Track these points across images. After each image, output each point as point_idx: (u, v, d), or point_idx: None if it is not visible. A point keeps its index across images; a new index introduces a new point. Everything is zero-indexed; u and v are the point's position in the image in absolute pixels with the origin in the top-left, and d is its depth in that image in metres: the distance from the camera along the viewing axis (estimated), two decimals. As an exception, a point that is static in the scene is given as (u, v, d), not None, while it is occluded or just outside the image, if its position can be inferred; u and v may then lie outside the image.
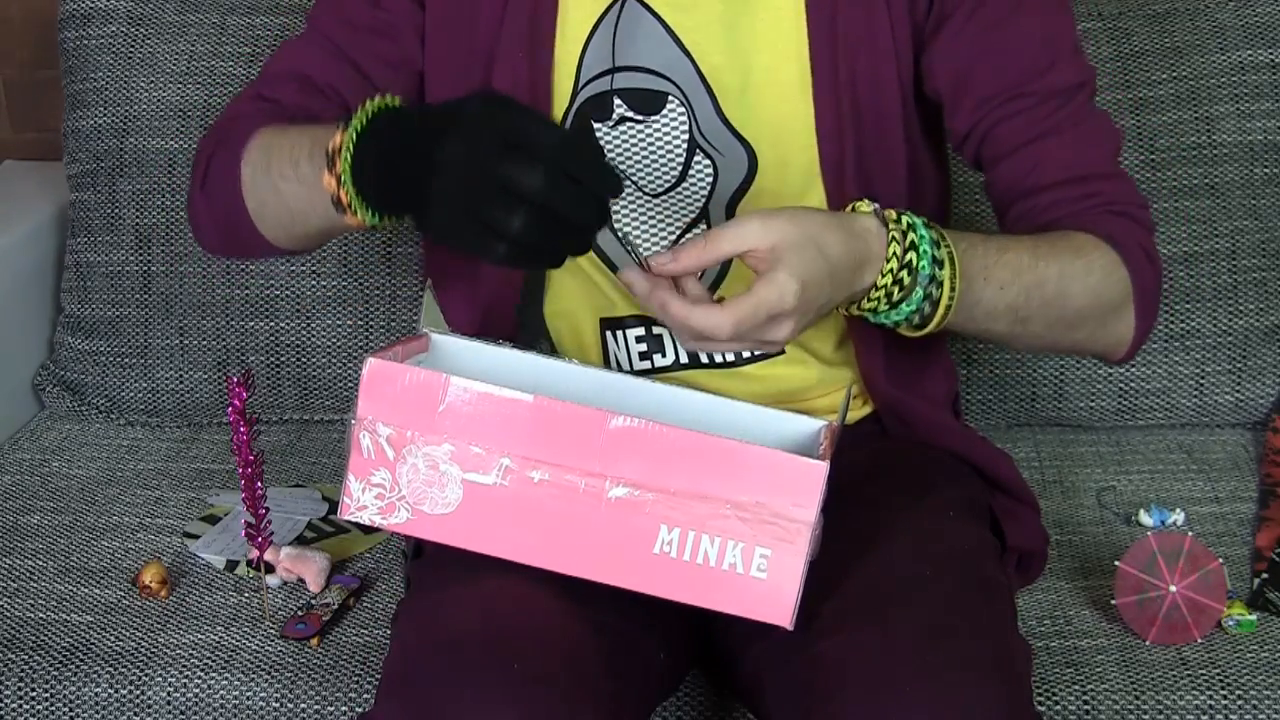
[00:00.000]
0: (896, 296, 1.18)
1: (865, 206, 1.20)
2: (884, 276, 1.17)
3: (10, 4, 2.20)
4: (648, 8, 1.33)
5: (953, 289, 1.20)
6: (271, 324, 1.86)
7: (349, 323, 1.86)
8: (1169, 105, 1.78)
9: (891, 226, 1.18)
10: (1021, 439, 1.79)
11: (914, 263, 1.17)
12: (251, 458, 1.39)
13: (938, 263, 1.18)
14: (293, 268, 1.86)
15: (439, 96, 1.36)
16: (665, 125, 1.33)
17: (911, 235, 1.18)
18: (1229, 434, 1.78)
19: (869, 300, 1.19)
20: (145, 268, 1.88)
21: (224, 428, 1.82)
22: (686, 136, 1.33)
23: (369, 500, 1.12)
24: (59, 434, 1.88)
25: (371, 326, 1.86)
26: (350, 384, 1.85)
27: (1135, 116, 1.78)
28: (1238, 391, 1.77)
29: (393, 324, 1.86)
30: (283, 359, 1.87)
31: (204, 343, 1.87)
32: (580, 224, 1.08)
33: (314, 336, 1.86)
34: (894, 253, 1.17)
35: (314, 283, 1.86)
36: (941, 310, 1.20)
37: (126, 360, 1.89)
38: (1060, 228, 1.29)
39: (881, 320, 1.22)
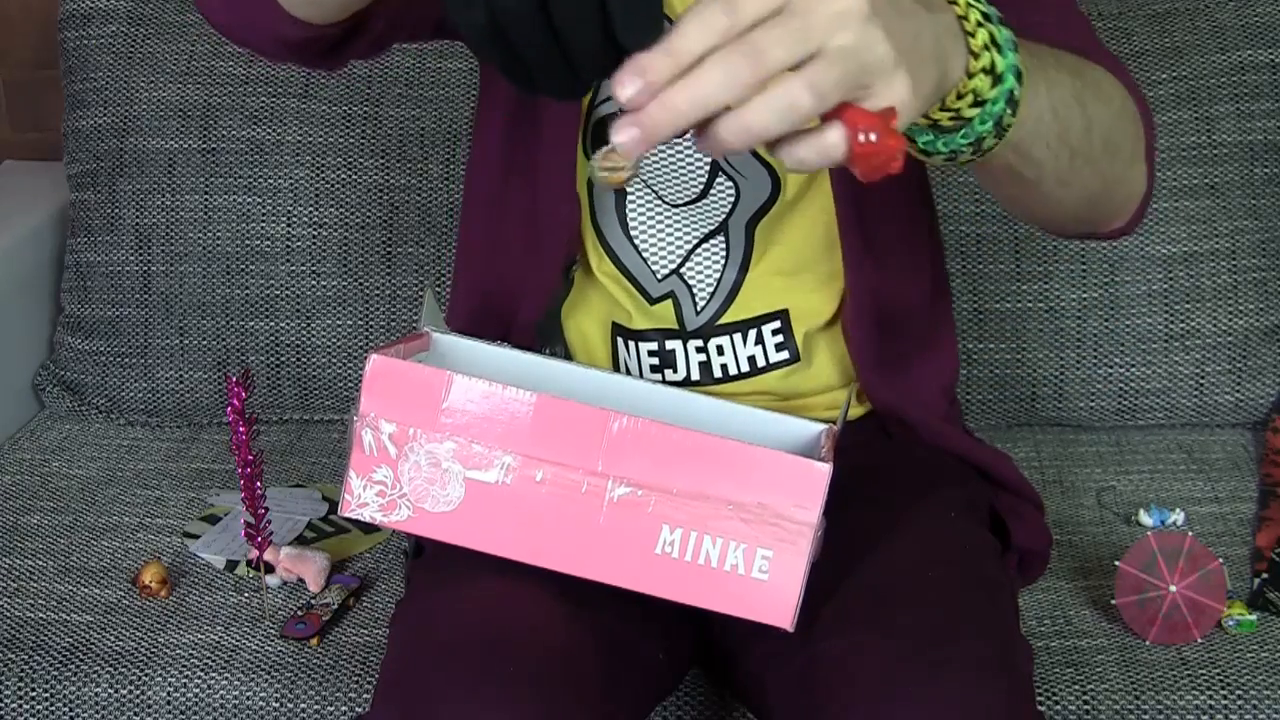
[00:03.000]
0: (996, 72, 0.90)
1: None
2: (975, 32, 0.90)
3: (10, 4, 2.20)
4: None
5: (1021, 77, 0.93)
6: (271, 324, 1.86)
7: (349, 323, 1.86)
8: (1169, 105, 1.79)
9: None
10: (1021, 439, 1.79)
11: (992, 29, 0.90)
12: (251, 458, 1.39)
13: (1007, 24, 0.92)
14: (293, 268, 1.86)
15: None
16: (689, 147, 1.32)
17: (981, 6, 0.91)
18: (1229, 434, 1.78)
19: (969, 79, 0.90)
20: (145, 268, 1.88)
21: (224, 428, 1.82)
22: (709, 159, 1.32)
23: (370, 497, 1.12)
24: (59, 434, 1.88)
25: (371, 326, 1.86)
26: (350, 384, 1.86)
27: (1135, 116, 1.78)
28: (1238, 391, 1.77)
29: (393, 324, 1.86)
30: (283, 359, 1.87)
31: (204, 343, 1.87)
32: (574, 44, 0.79)
33: (314, 336, 1.86)
34: (972, 12, 0.90)
35: (314, 283, 1.86)
36: (1020, 109, 0.93)
37: (126, 360, 1.89)
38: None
39: (962, 134, 0.92)
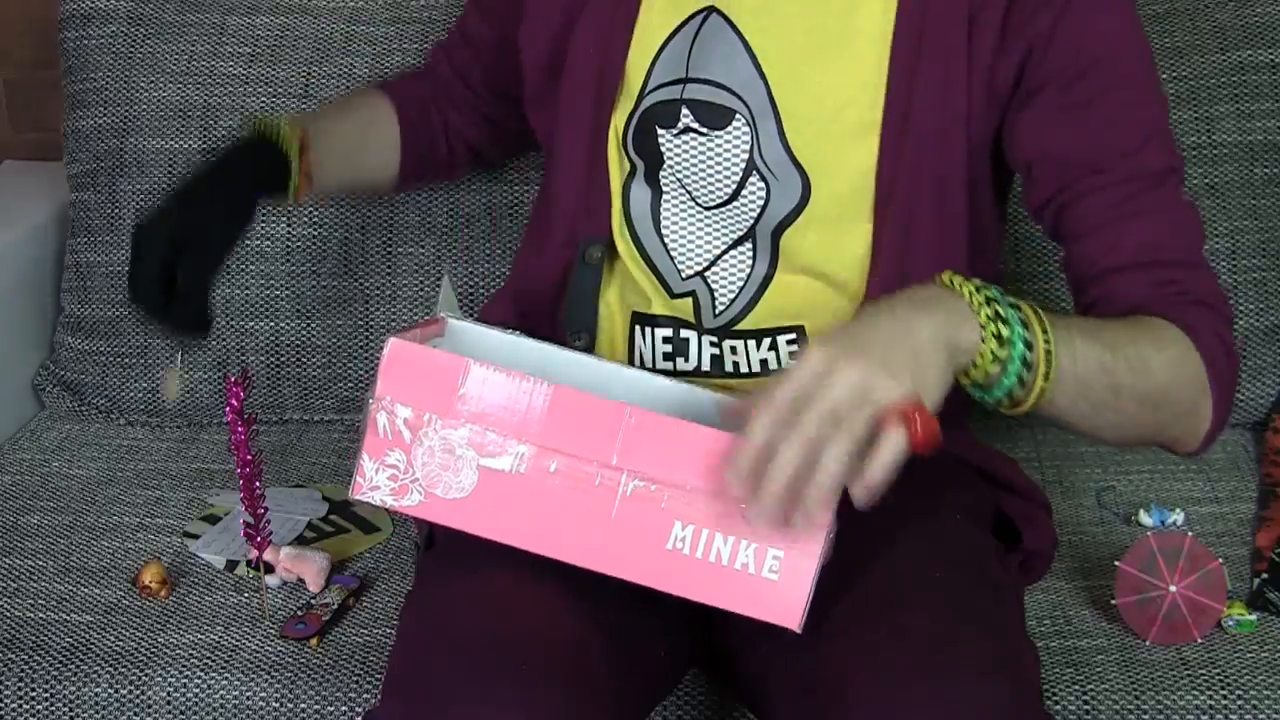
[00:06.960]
0: (1002, 337, 1.11)
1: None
2: (979, 310, 1.11)
3: (10, 4, 2.20)
4: (732, 25, 1.33)
5: (1047, 339, 1.14)
6: (271, 324, 1.86)
7: (349, 323, 1.86)
8: (1169, 105, 1.78)
9: (957, 284, 1.13)
10: (1021, 439, 1.79)
11: (997, 307, 1.12)
12: (250, 457, 1.39)
13: (1015, 307, 1.13)
14: (293, 268, 1.86)
15: (527, 68, 1.47)
16: (728, 142, 1.33)
17: (985, 291, 1.13)
18: (1229, 434, 1.77)
19: (984, 343, 1.10)
20: (145, 268, 1.88)
21: (224, 428, 1.79)
22: (746, 157, 1.32)
23: (382, 481, 1.12)
24: (59, 434, 1.88)
25: (371, 326, 1.86)
26: (350, 384, 1.86)
27: (1135, 117, 1.78)
28: (1238, 391, 1.75)
29: (393, 324, 1.86)
30: (283, 359, 1.87)
31: (204, 343, 1.87)
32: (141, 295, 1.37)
33: (314, 336, 1.86)
34: (973, 295, 1.12)
35: (314, 283, 1.86)
36: (1041, 370, 1.14)
37: (126, 360, 1.89)
38: (1137, 313, 1.25)
39: (996, 389, 1.14)
